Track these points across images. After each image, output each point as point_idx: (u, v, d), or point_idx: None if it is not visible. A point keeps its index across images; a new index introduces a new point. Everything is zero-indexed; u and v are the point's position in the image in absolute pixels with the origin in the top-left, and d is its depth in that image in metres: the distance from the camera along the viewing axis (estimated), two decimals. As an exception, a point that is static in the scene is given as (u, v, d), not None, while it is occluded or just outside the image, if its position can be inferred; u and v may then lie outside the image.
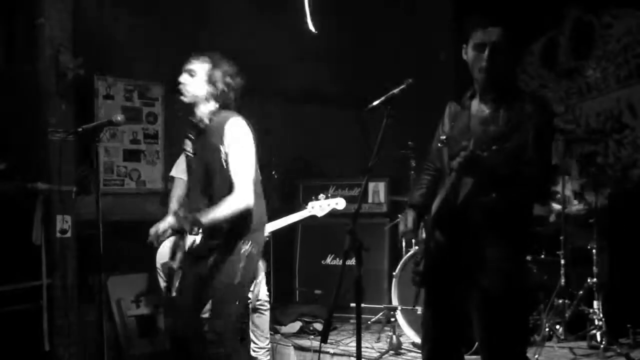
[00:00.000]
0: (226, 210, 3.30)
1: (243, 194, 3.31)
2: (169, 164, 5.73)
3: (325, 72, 6.73)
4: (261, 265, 4.70)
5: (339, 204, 4.64)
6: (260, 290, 4.72)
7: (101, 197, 3.59)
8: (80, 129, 3.45)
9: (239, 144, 3.37)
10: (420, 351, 4.74)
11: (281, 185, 6.41)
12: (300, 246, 6.45)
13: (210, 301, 3.45)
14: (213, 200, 3.39)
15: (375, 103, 2.91)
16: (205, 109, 3.45)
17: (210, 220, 3.29)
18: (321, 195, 4.69)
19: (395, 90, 2.91)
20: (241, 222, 3.41)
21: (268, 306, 4.76)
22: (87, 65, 4.82)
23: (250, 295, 4.72)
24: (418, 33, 6.83)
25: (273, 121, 6.35)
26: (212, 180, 3.44)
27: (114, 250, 4.37)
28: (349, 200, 6.11)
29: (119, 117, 3.48)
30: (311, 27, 6.04)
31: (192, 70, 3.44)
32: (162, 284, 3.99)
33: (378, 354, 4.77)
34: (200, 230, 3.40)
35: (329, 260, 6.27)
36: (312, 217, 4.72)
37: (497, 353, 2.82)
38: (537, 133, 2.74)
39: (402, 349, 4.85)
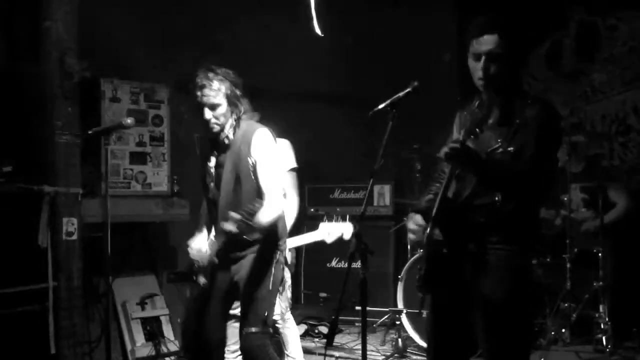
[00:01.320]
0: (263, 222, 3.29)
1: (275, 205, 3.35)
2: (175, 166, 5.74)
3: (329, 73, 6.74)
4: (287, 273, 4.65)
5: (345, 234, 4.44)
6: (284, 302, 4.54)
7: (107, 199, 3.60)
8: (90, 132, 3.44)
9: (268, 155, 3.43)
10: (425, 354, 4.77)
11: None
12: (305, 249, 6.45)
13: (241, 307, 3.51)
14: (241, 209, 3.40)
15: (380, 106, 2.89)
16: (228, 126, 3.48)
17: (267, 222, 3.30)
18: (333, 219, 4.56)
19: (401, 94, 2.89)
20: (272, 232, 3.48)
21: (290, 315, 4.55)
22: (93, 68, 4.83)
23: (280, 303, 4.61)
24: (423, 34, 6.84)
25: (277, 124, 6.36)
26: (240, 191, 3.45)
27: (119, 252, 4.37)
28: (354, 202, 6.12)
29: (129, 120, 3.49)
30: (317, 30, 6.05)
31: (215, 105, 3.40)
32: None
33: (383, 357, 4.77)
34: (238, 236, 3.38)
35: (334, 263, 6.27)
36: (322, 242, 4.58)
37: (499, 358, 2.79)
38: (538, 134, 2.71)
39: (407, 352, 4.85)
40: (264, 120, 3.62)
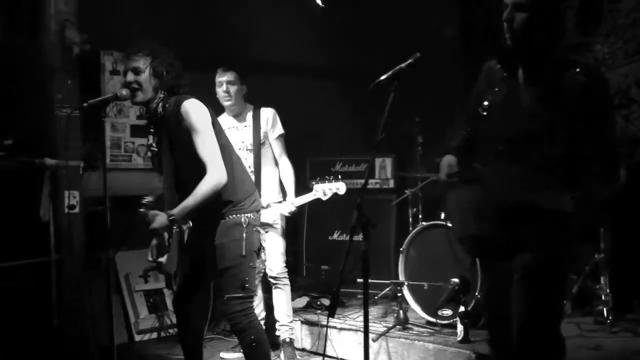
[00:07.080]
0: (200, 193, 3.30)
1: (214, 173, 3.33)
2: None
3: (331, 47, 6.69)
4: (264, 236, 4.71)
5: (340, 189, 4.69)
6: (276, 265, 4.78)
7: (109, 172, 3.59)
8: (85, 104, 3.43)
9: (197, 125, 3.38)
10: (426, 327, 4.80)
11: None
12: (307, 222, 6.45)
13: (218, 274, 3.51)
14: (186, 185, 3.39)
15: (382, 78, 2.85)
16: (157, 100, 3.47)
17: (184, 209, 3.30)
18: (326, 177, 4.75)
19: (403, 65, 2.85)
20: (220, 199, 3.43)
21: (287, 281, 4.82)
22: (93, 41, 4.80)
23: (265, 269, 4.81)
24: (425, 6, 6.77)
25: (280, 97, 6.35)
26: (180, 166, 3.46)
27: (121, 225, 4.38)
28: (355, 176, 6.12)
29: (124, 92, 3.47)
30: (318, 1, 6.00)
31: (138, 68, 3.42)
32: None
33: (385, 328, 4.79)
34: (182, 222, 3.41)
35: (335, 235, 6.28)
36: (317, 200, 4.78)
37: (529, 326, 2.67)
38: (600, 113, 2.54)
39: (408, 324, 4.87)
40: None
